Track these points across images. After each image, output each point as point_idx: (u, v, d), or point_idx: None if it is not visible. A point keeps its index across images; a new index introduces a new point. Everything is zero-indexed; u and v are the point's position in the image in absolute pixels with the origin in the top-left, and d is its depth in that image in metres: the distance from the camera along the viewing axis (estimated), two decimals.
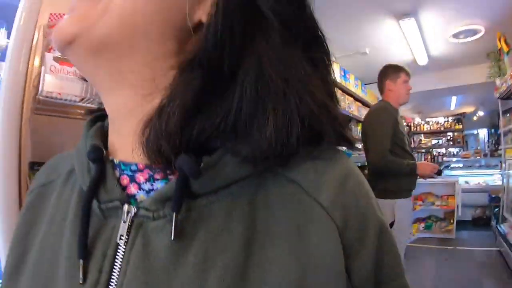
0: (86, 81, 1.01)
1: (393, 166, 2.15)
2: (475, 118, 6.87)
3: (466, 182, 5.52)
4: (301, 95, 0.34)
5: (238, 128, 0.33)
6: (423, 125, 8.02)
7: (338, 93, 3.31)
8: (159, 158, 0.33)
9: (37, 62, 1.04)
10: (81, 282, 0.32)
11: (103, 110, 0.41)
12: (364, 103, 4.73)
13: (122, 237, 0.33)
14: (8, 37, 1.22)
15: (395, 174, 2.16)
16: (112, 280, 0.32)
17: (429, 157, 7.43)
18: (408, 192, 2.27)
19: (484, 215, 4.89)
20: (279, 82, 0.33)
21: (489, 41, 3.38)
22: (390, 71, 2.40)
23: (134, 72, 0.35)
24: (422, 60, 4.15)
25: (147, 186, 0.36)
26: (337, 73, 3.81)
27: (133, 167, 0.37)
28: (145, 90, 0.36)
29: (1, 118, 0.96)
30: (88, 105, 1.07)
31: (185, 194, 0.32)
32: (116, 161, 0.38)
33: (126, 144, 0.36)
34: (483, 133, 7.67)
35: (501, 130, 4.21)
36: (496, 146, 6.34)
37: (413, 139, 7.88)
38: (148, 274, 0.32)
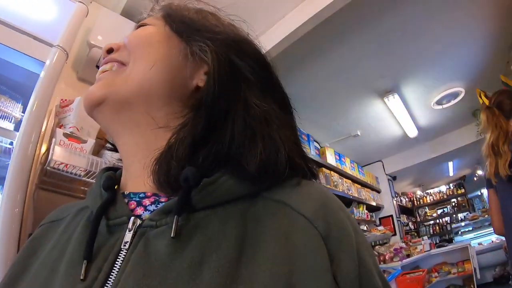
0: (92, 155, 1.08)
1: None
2: (475, 179, 6.79)
3: (480, 244, 5.32)
4: (281, 130, 0.43)
5: (233, 155, 0.40)
6: (426, 197, 7.88)
7: (336, 176, 3.40)
8: (167, 180, 0.39)
9: (43, 148, 1.08)
10: (82, 278, 0.37)
11: (114, 168, 0.52)
12: (364, 184, 4.65)
13: (126, 244, 0.39)
14: (23, 111, 1.24)
15: None
16: (110, 278, 0.37)
17: (437, 228, 7.10)
18: None
19: (505, 272, 4.53)
20: (262, 117, 0.42)
21: (471, 100, 3.42)
22: None
23: (147, 124, 0.46)
24: (412, 132, 4.21)
25: (152, 208, 0.43)
26: (332, 158, 3.83)
27: (141, 195, 0.44)
28: (153, 135, 0.46)
29: (8, 190, 0.98)
30: (92, 180, 1.08)
31: (186, 202, 0.39)
32: (126, 192, 0.44)
33: (135, 178, 0.44)
34: (486, 192, 7.31)
35: None
36: None
37: (418, 213, 7.64)
38: (146, 267, 0.36)
